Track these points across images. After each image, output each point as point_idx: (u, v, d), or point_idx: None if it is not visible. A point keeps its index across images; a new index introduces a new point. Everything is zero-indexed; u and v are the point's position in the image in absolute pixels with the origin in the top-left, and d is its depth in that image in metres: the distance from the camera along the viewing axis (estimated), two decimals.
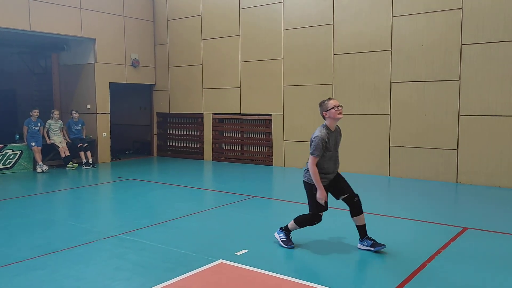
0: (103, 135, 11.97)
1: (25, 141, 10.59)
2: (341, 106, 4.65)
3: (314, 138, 4.58)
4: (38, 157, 10.47)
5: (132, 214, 6.52)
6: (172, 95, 12.83)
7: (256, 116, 11.26)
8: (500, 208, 6.76)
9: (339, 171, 4.87)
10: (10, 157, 10.43)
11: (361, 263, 4.51)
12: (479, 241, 5.15)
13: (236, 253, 4.71)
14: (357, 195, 4.75)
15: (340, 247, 4.95)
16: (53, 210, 7.18)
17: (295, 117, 10.54)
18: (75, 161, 11.06)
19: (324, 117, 4.66)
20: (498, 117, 8.09)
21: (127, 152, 13.74)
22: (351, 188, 4.78)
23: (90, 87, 11.78)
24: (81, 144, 11.13)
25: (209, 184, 9.57)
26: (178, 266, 4.38)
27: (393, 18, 9.07)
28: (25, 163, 10.68)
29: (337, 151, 4.79)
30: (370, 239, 4.78)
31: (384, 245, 4.72)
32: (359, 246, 4.85)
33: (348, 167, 9.66)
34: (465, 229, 5.56)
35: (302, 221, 4.85)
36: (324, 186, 4.62)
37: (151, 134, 13.54)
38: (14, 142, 10.81)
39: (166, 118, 13.28)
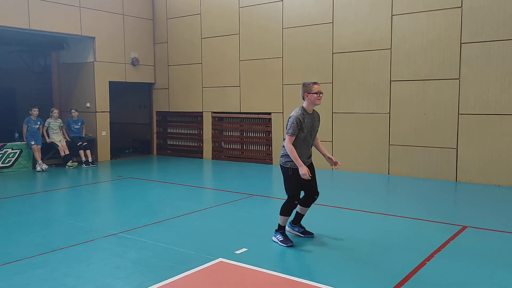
0: (103, 134, 11.97)
1: (25, 139, 10.59)
2: (322, 93, 4.84)
3: (289, 118, 4.78)
4: (38, 155, 10.47)
5: (132, 213, 6.52)
6: (172, 93, 12.83)
7: (256, 115, 11.26)
8: (499, 207, 6.76)
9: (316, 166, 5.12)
10: (10, 156, 10.43)
11: (361, 261, 4.51)
12: (478, 240, 5.16)
13: (235, 252, 4.72)
14: (318, 193, 5.07)
15: (339, 246, 4.96)
16: (53, 208, 7.17)
17: None
18: (74, 160, 11.06)
19: (303, 98, 4.85)
20: (497, 115, 8.09)
21: (126, 151, 13.74)
22: (316, 185, 5.07)
23: (90, 85, 11.78)
24: (80, 142, 11.13)
25: (208, 183, 9.57)
26: (177, 265, 4.39)
27: (393, 16, 9.07)
28: (25, 162, 10.69)
29: (312, 138, 4.93)
30: (301, 226, 5.23)
31: (312, 234, 5.16)
32: (288, 229, 5.24)
33: (347, 165, 9.68)
34: (464, 227, 5.58)
35: (285, 209, 4.94)
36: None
37: (151, 132, 13.54)
38: (14, 140, 10.80)
39: (165, 117, 13.27)
